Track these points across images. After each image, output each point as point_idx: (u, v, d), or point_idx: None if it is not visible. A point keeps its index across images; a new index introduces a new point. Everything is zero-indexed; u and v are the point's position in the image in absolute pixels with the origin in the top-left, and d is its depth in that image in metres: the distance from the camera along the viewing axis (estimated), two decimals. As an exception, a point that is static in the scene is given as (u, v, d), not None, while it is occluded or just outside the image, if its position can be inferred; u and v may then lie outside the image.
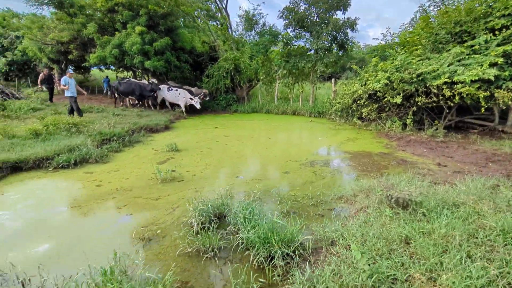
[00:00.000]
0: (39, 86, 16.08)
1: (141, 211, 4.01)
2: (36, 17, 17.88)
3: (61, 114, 10.92)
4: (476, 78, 7.30)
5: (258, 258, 2.76)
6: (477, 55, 8.03)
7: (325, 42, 12.82)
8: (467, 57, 8.33)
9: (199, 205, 3.57)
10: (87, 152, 6.33)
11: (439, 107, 9.53)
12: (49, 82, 14.43)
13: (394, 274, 2.28)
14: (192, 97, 12.80)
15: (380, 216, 3.27)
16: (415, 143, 8.05)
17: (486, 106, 7.79)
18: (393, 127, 9.57)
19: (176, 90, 13.27)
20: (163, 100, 14.24)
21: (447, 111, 8.86)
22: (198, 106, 12.70)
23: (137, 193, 4.62)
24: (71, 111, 10.43)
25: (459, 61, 8.42)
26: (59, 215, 3.91)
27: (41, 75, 14.57)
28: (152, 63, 13.54)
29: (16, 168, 5.65)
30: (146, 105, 14.66)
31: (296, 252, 2.87)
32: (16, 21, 23.32)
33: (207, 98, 14.58)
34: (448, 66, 8.32)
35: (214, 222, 3.52)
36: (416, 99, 8.75)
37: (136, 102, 14.25)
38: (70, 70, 10.09)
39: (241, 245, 3.00)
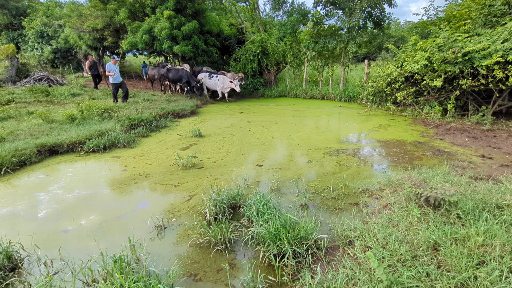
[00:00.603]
0: (88, 73, 16.94)
1: (159, 198, 4.08)
2: (75, 5, 18.75)
3: (95, 100, 11.54)
4: (538, 56, 6.25)
5: (268, 255, 2.65)
6: (541, 29, 6.85)
7: (359, 20, 11.81)
8: (527, 31, 7.15)
9: (213, 195, 3.51)
10: (115, 137, 6.59)
11: (487, 90, 8.43)
12: (94, 69, 14.93)
13: (417, 286, 2.03)
14: (232, 80, 12.49)
15: (407, 216, 2.96)
16: (456, 131, 7.25)
17: (548, 90, 6.70)
18: (431, 113, 8.70)
19: (217, 76, 12.96)
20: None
21: (497, 95, 7.79)
22: (238, 89, 12.34)
23: (158, 179, 4.72)
24: (125, 97, 10.97)
25: (517, 36, 7.25)
26: (81, 200, 4.11)
27: (87, 62, 15.18)
28: (181, 48, 13.61)
29: (52, 151, 6.07)
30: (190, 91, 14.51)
31: (310, 250, 2.71)
32: (59, 10, 24.68)
33: (243, 82, 14.17)
34: (502, 43, 7.22)
35: (228, 213, 3.47)
36: (460, 82, 7.79)
37: (185, 88, 13.91)
38: (115, 56, 10.48)
39: (252, 240, 2.91)
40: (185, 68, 14.24)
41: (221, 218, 3.32)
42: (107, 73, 10.32)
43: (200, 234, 3.10)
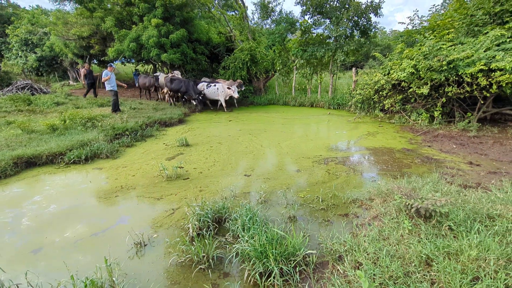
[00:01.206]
0: (83, 82, 16.35)
1: (140, 212, 3.87)
2: (60, 13, 18.42)
3: (80, 109, 11.21)
4: (519, 64, 6.39)
5: (253, 274, 2.48)
6: (521, 38, 7.05)
7: (346, 29, 11.98)
8: (508, 40, 7.34)
9: (197, 209, 3.34)
10: (98, 148, 6.34)
11: (472, 98, 8.58)
12: (89, 77, 14.35)
13: (410, 306, 1.91)
14: (230, 87, 12.14)
15: (398, 228, 2.86)
16: (444, 138, 7.31)
17: (530, 96, 6.85)
18: (418, 120, 8.79)
19: (215, 85, 12.47)
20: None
21: (482, 102, 7.93)
22: (236, 95, 12.10)
23: (141, 192, 4.50)
24: (115, 107, 10.50)
25: (498, 45, 7.44)
26: (57, 216, 3.86)
27: (82, 70, 14.73)
28: (169, 56, 13.46)
29: (30, 163, 5.76)
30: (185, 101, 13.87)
31: (298, 268, 2.56)
32: (44, 18, 24.25)
33: (243, 88, 13.86)
34: (484, 51, 7.39)
35: (213, 227, 3.29)
36: (446, 89, 7.90)
37: (183, 98, 13.35)
38: (112, 64, 10.29)
39: (236, 257, 2.74)
40: (176, 75, 14.04)
41: (205, 234, 3.13)
42: (103, 79, 10.07)
43: (182, 251, 2.91)
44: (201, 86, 12.64)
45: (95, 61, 21.92)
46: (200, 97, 12.30)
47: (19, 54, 22.61)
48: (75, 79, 22.99)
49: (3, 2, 27.46)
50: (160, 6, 13.51)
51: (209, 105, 13.24)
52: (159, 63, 18.01)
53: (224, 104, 12.55)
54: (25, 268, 2.75)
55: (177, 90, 12.65)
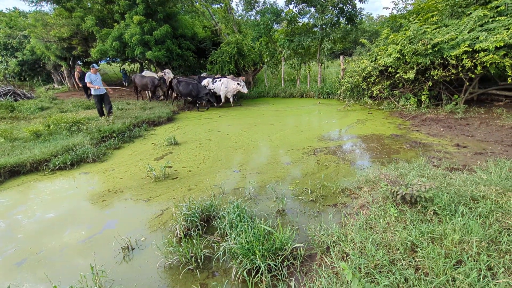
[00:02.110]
0: (80, 85, 15.15)
1: (128, 216, 3.80)
2: (39, 15, 17.81)
3: (65, 113, 10.96)
4: (502, 44, 6.41)
5: (241, 272, 2.46)
6: (503, 17, 7.05)
7: (331, 16, 11.86)
8: (491, 20, 7.35)
9: (184, 210, 3.29)
10: (84, 152, 6.20)
11: (458, 80, 8.64)
12: (83, 79, 13.35)
13: (395, 295, 1.91)
14: (239, 82, 11.47)
15: (384, 216, 2.86)
16: (431, 121, 7.36)
17: (514, 76, 6.91)
18: (407, 104, 8.83)
19: (220, 80, 11.81)
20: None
21: (467, 83, 7.99)
22: (245, 90, 11.51)
23: (128, 194, 4.43)
24: (108, 112, 9.66)
25: (481, 26, 7.45)
26: (43, 225, 3.77)
27: (76, 73, 13.99)
28: (153, 53, 13.19)
29: (14, 172, 5.62)
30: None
31: (286, 262, 2.55)
32: (22, 20, 23.46)
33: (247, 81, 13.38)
34: (468, 32, 7.39)
35: (201, 227, 3.26)
36: (432, 73, 7.92)
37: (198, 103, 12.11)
38: (95, 65, 9.26)
39: (224, 255, 2.72)
40: (167, 74, 13.37)
41: (193, 234, 3.10)
42: (88, 84, 9.07)
43: (170, 253, 2.88)
44: (206, 82, 11.99)
45: (79, 62, 21.38)
46: (210, 93, 11.41)
47: (-1, 60, 21.92)
48: (60, 82, 22.44)
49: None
50: (141, 2, 13.16)
51: (212, 102, 11.90)
52: (146, 61, 17.67)
53: (231, 99, 12.04)
54: (7, 281, 2.68)
55: (187, 93, 11.50)
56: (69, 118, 8.27)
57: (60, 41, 15.63)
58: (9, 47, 21.66)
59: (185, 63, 15.51)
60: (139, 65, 22.71)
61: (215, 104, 11.92)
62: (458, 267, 2.02)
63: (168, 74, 13.34)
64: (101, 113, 9.70)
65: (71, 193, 4.66)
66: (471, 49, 7.02)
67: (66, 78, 21.02)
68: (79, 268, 2.82)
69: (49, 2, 15.17)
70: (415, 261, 2.19)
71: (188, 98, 11.86)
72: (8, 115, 10.63)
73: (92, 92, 9.36)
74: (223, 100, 11.99)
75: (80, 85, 14.38)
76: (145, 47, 13.36)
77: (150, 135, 8.19)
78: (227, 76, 12.72)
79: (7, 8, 26.14)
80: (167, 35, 13.55)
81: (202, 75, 14.11)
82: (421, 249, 2.25)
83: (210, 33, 16.67)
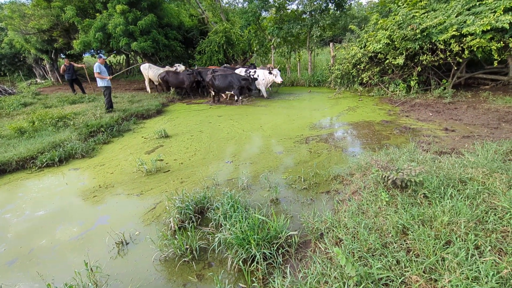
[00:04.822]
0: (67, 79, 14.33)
1: (120, 210, 3.76)
2: (15, 5, 16.95)
3: (50, 108, 10.63)
4: (488, 27, 6.48)
5: (237, 261, 2.48)
6: (490, 0, 7.09)
7: (320, 2, 11.70)
8: (478, 4, 7.39)
9: (177, 203, 3.27)
10: (72, 148, 6.06)
11: (447, 64, 8.73)
12: (70, 73, 12.74)
13: (387, 277, 1.96)
14: (272, 71, 10.17)
15: (376, 201, 2.91)
16: (420, 107, 7.45)
17: (499, 59, 7.02)
18: (396, 90, 8.90)
19: (255, 71, 10.63)
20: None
21: (455, 68, 8.09)
22: (279, 79, 10.14)
23: (120, 189, 4.37)
24: (109, 106, 9.23)
25: (468, 9, 7.49)
26: (32, 223, 3.70)
27: (62, 67, 12.98)
28: (139, 44, 12.84)
29: (0, 171, 5.45)
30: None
31: (280, 250, 2.58)
32: (-2, 12, 22.33)
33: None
34: (456, 16, 7.43)
35: (195, 219, 3.25)
36: (420, 58, 7.97)
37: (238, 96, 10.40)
38: (102, 55, 8.79)
39: (219, 246, 2.73)
40: (178, 68, 12.19)
41: (188, 226, 3.09)
42: (96, 74, 8.67)
43: (165, 246, 2.87)
44: (239, 71, 10.78)
45: (62, 55, 20.58)
46: (249, 81, 9.91)
47: (-24, 54, 20.94)
48: (43, 77, 21.67)
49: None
50: (123, -10, 12.68)
51: (221, 95, 10.88)
52: (131, 53, 17.17)
53: (265, 94, 10.78)
54: (0, 281, 2.63)
55: (224, 87, 10.14)
56: (54, 114, 8.03)
57: (40, 33, 14.99)
58: (-14, 40, 20.66)
59: (172, 54, 15.18)
60: (125, 57, 22.10)
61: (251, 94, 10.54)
62: (447, 247, 2.09)
63: (180, 68, 12.48)
64: (111, 106, 9.30)
65: (61, 189, 4.57)
66: (458, 33, 7.07)
67: (49, 72, 20.27)
68: (72, 265, 2.79)
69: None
70: (407, 243, 2.25)
71: (226, 92, 10.44)
72: (-11, 112, 10.23)
73: (105, 84, 8.90)
74: (264, 94, 10.79)
75: (66, 79, 13.75)
76: (130, 37, 12.98)
77: (140, 128, 8.04)
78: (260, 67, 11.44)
79: (-20, -1, 24.77)
80: (152, 25, 13.17)
81: (222, 67, 12.65)
82: (412, 232, 2.31)
83: (197, 22, 16.29)
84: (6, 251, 3.16)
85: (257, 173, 4.50)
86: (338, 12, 12.57)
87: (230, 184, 4.20)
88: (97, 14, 13.38)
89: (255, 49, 14.41)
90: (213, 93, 10.72)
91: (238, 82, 9.89)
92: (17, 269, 2.85)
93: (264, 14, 14.56)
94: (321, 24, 11.85)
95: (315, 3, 11.58)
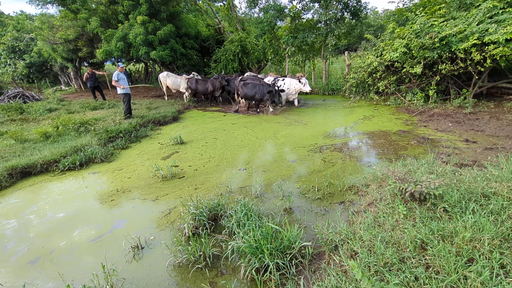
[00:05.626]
0: (89, 87, 14.92)
1: (136, 215, 3.85)
2: (45, 17, 18.02)
3: (73, 114, 11.10)
4: (512, 36, 6.27)
5: (250, 270, 2.47)
6: (514, 8, 6.88)
7: (336, 11, 11.74)
8: (500, 12, 7.17)
9: (191, 209, 3.31)
10: (92, 152, 6.29)
11: (467, 73, 8.48)
12: (92, 80, 13.24)
13: (405, 293, 1.90)
14: (301, 80, 9.87)
15: (393, 213, 2.84)
16: (439, 116, 7.25)
17: (524, 68, 6.75)
18: (414, 100, 8.70)
19: (283, 80, 10.34)
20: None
21: (477, 77, 7.84)
22: (308, 88, 9.80)
23: (136, 194, 4.48)
24: (128, 112, 9.48)
25: (491, 17, 7.28)
26: (54, 224, 3.84)
27: (85, 74, 13.50)
28: (158, 53, 13.27)
29: (25, 173, 5.72)
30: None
31: (294, 261, 2.56)
32: (29, 23, 23.77)
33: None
34: (477, 25, 7.24)
35: (209, 226, 3.28)
36: (439, 67, 7.79)
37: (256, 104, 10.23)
38: (121, 64, 9.30)
39: (232, 254, 2.73)
40: (195, 77, 12.19)
41: (201, 232, 3.12)
42: (113, 82, 9.04)
43: (179, 252, 2.90)
44: (268, 80, 10.67)
45: (85, 63, 21.58)
46: (276, 90, 9.54)
47: (8, 62, 22.28)
48: (67, 84, 22.73)
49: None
50: (144, 2, 13.23)
51: (276, 102, 10.20)
52: (150, 62, 17.76)
53: (296, 103, 10.56)
54: (22, 280, 2.75)
55: (251, 97, 9.89)
56: (77, 119, 8.38)
57: (66, 43, 15.81)
58: (17, 50, 21.98)
59: (189, 62, 15.57)
60: (143, 65, 22.85)
61: (280, 106, 10.37)
62: (470, 265, 2.00)
63: (196, 76, 12.58)
64: (130, 111, 9.56)
65: (81, 193, 4.73)
66: (480, 42, 6.88)
67: (73, 80, 21.27)
68: (90, 267, 2.87)
69: (54, 4, 15.34)
70: (425, 259, 2.17)
71: (253, 101, 10.21)
72: (18, 117, 10.82)
73: (124, 91, 9.22)
74: (296, 102, 10.60)
75: (88, 86, 14.31)
76: (150, 47, 13.45)
77: (157, 134, 8.25)
78: (287, 76, 11.08)
79: (14, 12, 26.51)
80: (171, 35, 13.61)
81: (246, 74, 12.55)
82: (431, 247, 2.23)
83: (213, 32, 16.68)
84: (29, 250, 3.29)
85: (270, 181, 4.49)
86: (354, 21, 12.56)
87: (243, 192, 4.22)
88: (119, 25, 13.98)
89: (270, 57, 14.55)
90: (242, 100, 10.55)
91: (263, 93, 9.63)
92: (39, 268, 2.96)
93: (279, 23, 14.75)
94: (336, 33, 11.86)
95: (330, 12, 11.63)
